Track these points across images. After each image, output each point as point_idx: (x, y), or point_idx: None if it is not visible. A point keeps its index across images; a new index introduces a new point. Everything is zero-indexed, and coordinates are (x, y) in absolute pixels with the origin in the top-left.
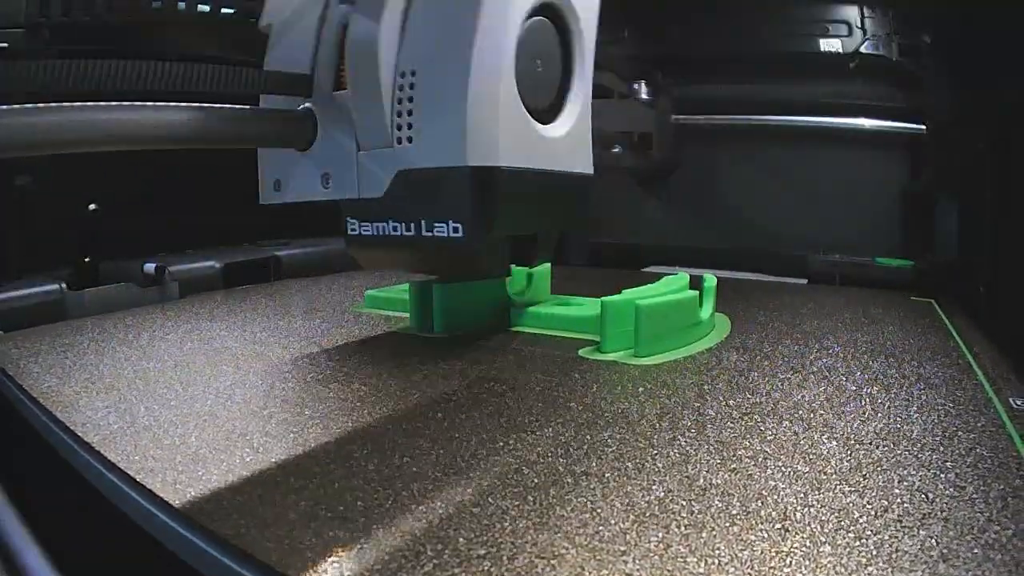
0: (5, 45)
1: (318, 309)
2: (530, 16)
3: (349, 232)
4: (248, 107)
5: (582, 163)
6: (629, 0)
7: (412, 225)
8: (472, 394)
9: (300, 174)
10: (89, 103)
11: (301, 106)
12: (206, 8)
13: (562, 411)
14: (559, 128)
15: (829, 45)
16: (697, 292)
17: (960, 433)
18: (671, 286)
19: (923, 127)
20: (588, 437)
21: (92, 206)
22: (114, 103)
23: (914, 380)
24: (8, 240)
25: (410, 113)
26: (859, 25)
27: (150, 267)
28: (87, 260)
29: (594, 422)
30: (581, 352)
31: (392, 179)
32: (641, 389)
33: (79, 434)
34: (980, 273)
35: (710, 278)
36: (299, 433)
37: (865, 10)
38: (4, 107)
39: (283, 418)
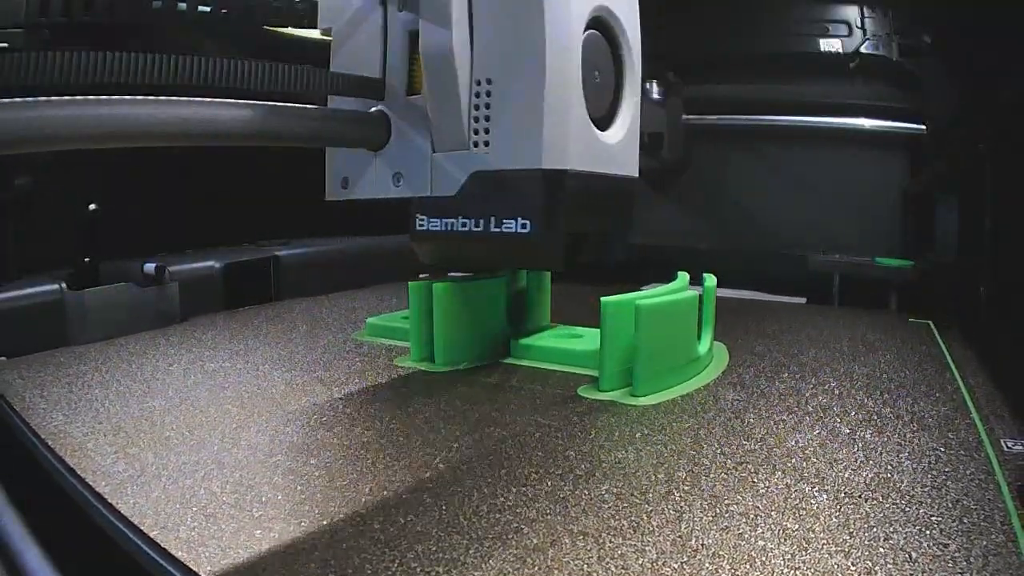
0: (5, 45)
1: (319, 337)
2: (586, 30)
3: (417, 227)
4: (328, 108)
5: (631, 167)
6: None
7: (482, 222)
8: (473, 440)
9: (371, 173)
10: (163, 98)
11: (373, 108)
12: (207, 9)
13: (560, 461)
14: (614, 134)
15: (829, 45)
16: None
17: (949, 483)
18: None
19: (923, 127)
20: (586, 492)
21: (92, 206)
22: (189, 99)
23: (908, 420)
24: (8, 240)
25: (487, 119)
26: (859, 25)
27: (150, 267)
28: (87, 260)
29: (592, 473)
30: (580, 391)
31: (466, 179)
32: (638, 435)
33: (90, 483)
34: (980, 274)
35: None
36: (306, 485)
37: (865, 10)
38: (75, 98)
39: (289, 467)
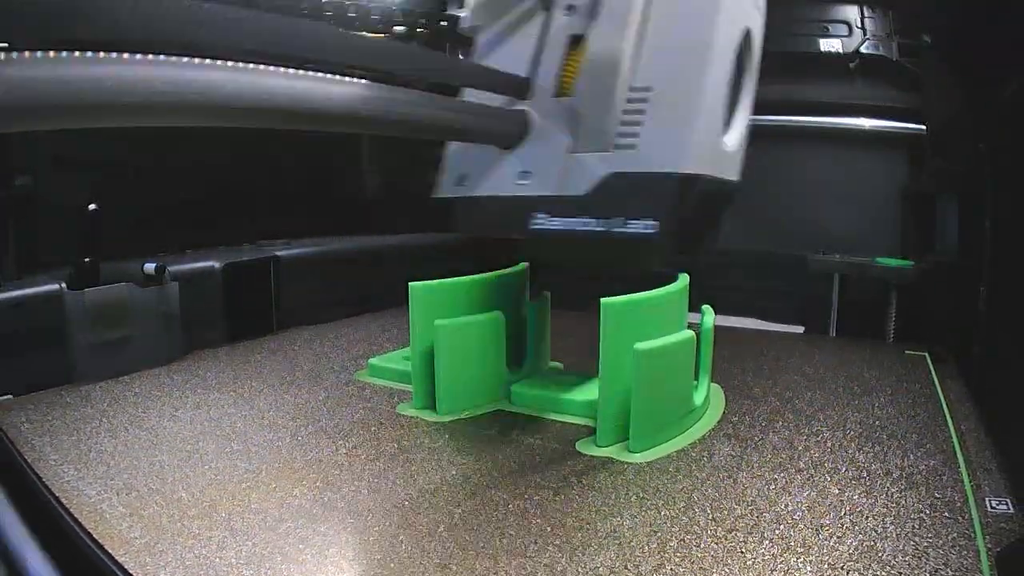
0: (5, 45)
1: (322, 377)
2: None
3: (534, 225)
4: (471, 102)
5: (737, 171)
6: None
7: (606, 222)
8: (476, 505)
9: (494, 169)
10: (275, 68)
11: (515, 106)
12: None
13: (558, 529)
14: (731, 141)
15: (829, 45)
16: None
17: (930, 550)
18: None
19: (923, 127)
20: (582, 566)
21: (92, 206)
22: (301, 72)
23: (896, 477)
24: (8, 240)
25: (637, 123)
26: (859, 25)
27: (150, 267)
28: (87, 260)
29: (588, 543)
30: (579, 445)
31: (601, 180)
32: (634, 498)
33: (109, 550)
34: (980, 275)
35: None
36: (316, 555)
37: (865, 10)
38: (152, 56)
39: (300, 535)
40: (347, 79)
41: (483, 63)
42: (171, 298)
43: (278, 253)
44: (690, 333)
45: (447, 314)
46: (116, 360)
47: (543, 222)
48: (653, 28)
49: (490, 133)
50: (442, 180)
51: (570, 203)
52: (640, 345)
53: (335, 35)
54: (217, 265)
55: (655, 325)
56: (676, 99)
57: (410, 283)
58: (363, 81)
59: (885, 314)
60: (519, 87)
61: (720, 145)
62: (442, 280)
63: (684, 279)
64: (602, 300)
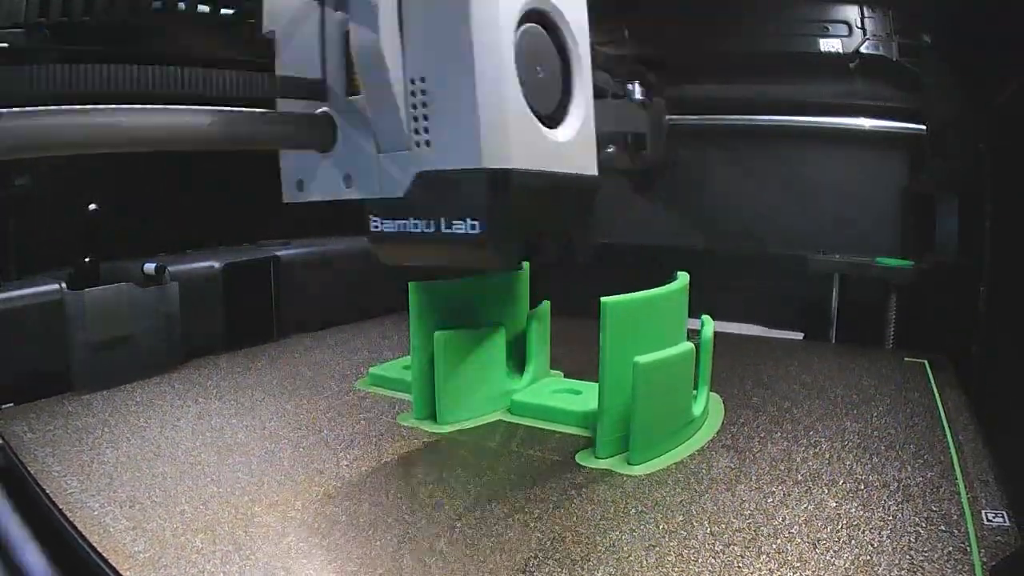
0: (5, 45)
1: (323, 387)
2: (521, 23)
3: (372, 228)
4: (273, 111)
5: (588, 166)
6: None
7: (432, 223)
8: (476, 519)
9: (323, 174)
10: (117, 105)
11: (319, 110)
12: (206, 9)
13: (558, 543)
14: (565, 132)
15: (829, 45)
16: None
17: (926, 564)
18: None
19: (923, 127)
20: None
21: (92, 206)
22: (141, 106)
23: (894, 489)
24: (8, 240)
25: (425, 118)
26: (859, 25)
27: (150, 267)
28: (87, 260)
29: (587, 558)
30: (578, 457)
31: (412, 180)
32: (633, 511)
33: (113, 564)
34: (980, 275)
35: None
36: (319, 570)
37: (865, 10)
38: (29, 108)
39: (301, 548)
40: (159, 108)
41: (283, 67)
42: (171, 298)
43: (278, 253)
44: (690, 345)
45: (447, 318)
46: (117, 361)
47: (378, 224)
48: (411, 13)
49: (297, 140)
50: (284, 186)
51: (396, 204)
52: (640, 358)
53: (157, 73)
54: (217, 265)
55: (657, 326)
56: (452, 89)
57: (410, 282)
58: (172, 108)
59: (885, 318)
60: (314, 90)
61: (542, 136)
62: (442, 282)
63: (684, 278)
64: (602, 299)
